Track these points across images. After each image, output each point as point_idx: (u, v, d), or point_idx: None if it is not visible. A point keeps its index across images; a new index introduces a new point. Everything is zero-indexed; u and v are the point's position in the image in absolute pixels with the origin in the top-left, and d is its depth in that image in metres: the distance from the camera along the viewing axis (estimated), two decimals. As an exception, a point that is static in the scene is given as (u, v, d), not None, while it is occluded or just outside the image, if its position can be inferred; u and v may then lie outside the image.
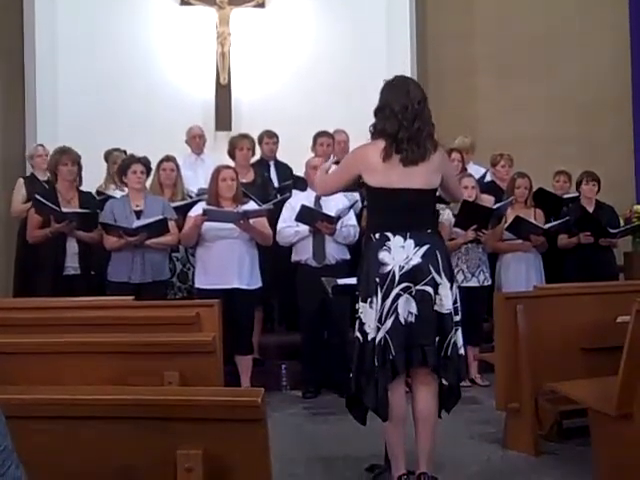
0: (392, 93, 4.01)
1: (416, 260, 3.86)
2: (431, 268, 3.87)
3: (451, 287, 3.95)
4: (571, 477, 4.33)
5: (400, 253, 3.87)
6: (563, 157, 8.94)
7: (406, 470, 3.93)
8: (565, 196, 7.72)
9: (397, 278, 3.84)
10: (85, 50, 9.48)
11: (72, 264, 6.38)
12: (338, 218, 6.36)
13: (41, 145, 7.84)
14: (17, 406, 2.06)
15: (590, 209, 7.30)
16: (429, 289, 3.86)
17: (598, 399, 3.89)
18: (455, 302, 3.98)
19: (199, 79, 9.83)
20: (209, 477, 2.14)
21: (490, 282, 6.80)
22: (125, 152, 7.41)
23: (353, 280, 4.71)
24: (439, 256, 3.91)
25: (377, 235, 3.94)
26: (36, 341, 3.39)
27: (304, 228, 6.45)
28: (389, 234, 3.90)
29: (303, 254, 6.52)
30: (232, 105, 9.83)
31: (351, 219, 6.60)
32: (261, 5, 10.00)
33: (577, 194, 7.52)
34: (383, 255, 3.88)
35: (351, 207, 6.51)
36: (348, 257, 6.59)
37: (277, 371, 6.77)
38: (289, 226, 6.50)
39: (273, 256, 6.68)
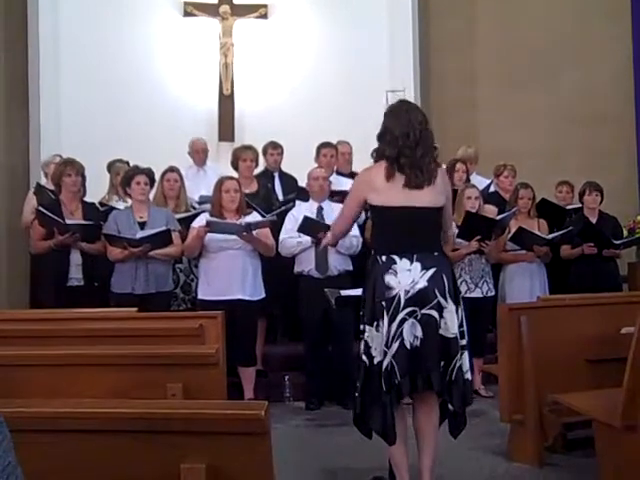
0: (393, 119, 4.02)
1: (422, 284, 3.84)
2: (437, 292, 3.85)
3: (457, 310, 3.92)
4: (576, 489, 4.32)
5: (406, 277, 3.85)
6: (565, 168, 8.94)
7: None
8: (568, 207, 7.71)
9: (402, 302, 3.82)
10: (88, 61, 9.50)
11: (76, 275, 6.37)
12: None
13: (59, 155, 7.80)
14: (20, 419, 2.06)
15: (593, 220, 7.28)
16: (434, 313, 3.84)
17: (603, 410, 3.88)
18: (461, 326, 3.95)
19: (202, 90, 9.86)
20: (213, 491, 2.13)
21: (494, 293, 6.79)
22: (128, 163, 7.41)
23: (356, 291, 4.71)
24: (445, 279, 3.89)
25: (384, 258, 3.91)
26: (39, 353, 3.40)
27: (306, 239, 6.45)
28: (395, 257, 3.88)
29: (306, 265, 6.52)
30: (235, 116, 9.85)
31: (354, 230, 6.58)
32: (264, 16, 10.04)
33: (580, 205, 7.51)
34: (389, 279, 3.85)
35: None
36: (351, 268, 6.58)
37: (280, 382, 6.75)
38: (291, 237, 6.50)
39: (276, 267, 6.67)
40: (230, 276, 6.10)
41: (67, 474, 2.21)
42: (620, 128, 9.86)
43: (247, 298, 6.15)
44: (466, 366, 3.95)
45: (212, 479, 2.13)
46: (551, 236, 7.01)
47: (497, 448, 5.03)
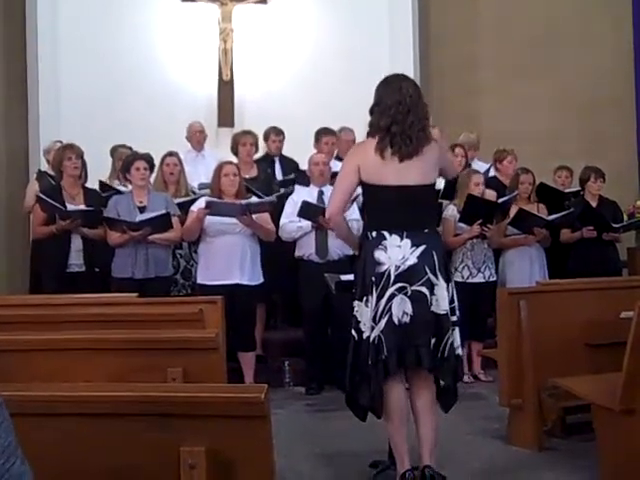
0: (385, 90, 4.05)
1: (412, 260, 3.86)
2: (427, 269, 3.86)
3: (447, 287, 3.94)
4: (575, 473, 4.33)
5: (396, 253, 3.87)
6: (565, 153, 8.93)
7: (410, 466, 3.93)
8: (567, 190, 7.71)
9: (392, 278, 3.85)
10: (87, 47, 9.48)
11: (76, 261, 6.38)
12: (341, 213, 6.34)
13: (59, 141, 7.79)
14: (20, 403, 2.06)
15: (593, 204, 7.28)
16: (425, 290, 3.85)
17: (602, 394, 3.88)
18: (452, 302, 3.98)
19: (202, 75, 9.83)
20: (212, 474, 2.14)
21: (495, 278, 6.80)
22: (131, 149, 7.41)
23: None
24: (435, 256, 3.91)
25: (374, 234, 3.94)
26: (39, 338, 3.40)
27: (307, 223, 6.46)
28: (385, 233, 3.90)
29: (306, 250, 6.52)
30: (235, 101, 9.82)
31: (354, 213, 6.58)
32: (263, 1, 9.99)
33: (579, 188, 7.50)
34: (379, 254, 3.88)
35: (353, 201, 6.48)
36: (351, 252, 6.57)
37: (280, 368, 6.77)
38: (291, 221, 6.51)
39: (276, 252, 6.68)
40: (229, 260, 6.11)
41: (66, 457, 2.21)
42: (620, 113, 9.86)
43: (246, 283, 6.15)
44: (457, 342, 3.98)
45: (212, 462, 2.14)
46: (552, 217, 7.01)
47: (496, 432, 5.05)
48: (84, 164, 6.65)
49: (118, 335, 3.42)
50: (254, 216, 6.12)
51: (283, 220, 6.55)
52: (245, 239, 6.18)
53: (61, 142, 7.59)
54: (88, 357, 3.25)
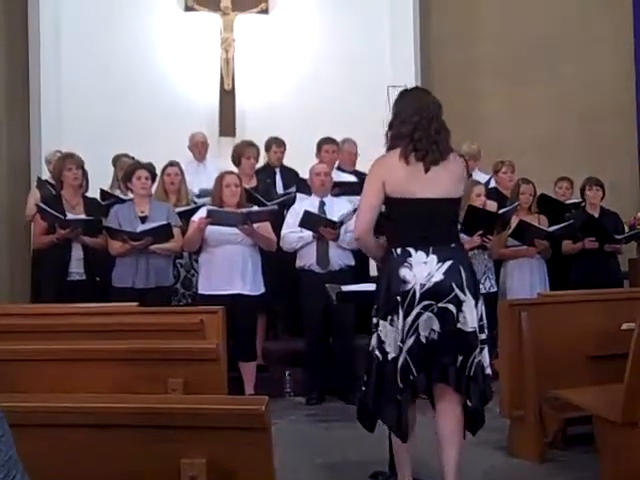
0: (405, 100, 3.96)
1: (438, 277, 3.72)
2: (454, 285, 3.73)
3: (476, 304, 3.80)
4: (576, 485, 4.33)
5: (422, 270, 3.72)
6: (565, 163, 8.93)
7: (412, 478, 3.90)
8: (568, 202, 7.71)
9: (418, 296, 3.71)
10: (89, 55, 9.50)
11: (77, 270, 6.38)
12: (341, 223, 6.35)
13: (59, 151, 7.80)
14: (20, 414, 2.06)
15: (595, 215, 7.28)
16: (451, 307, 3.72)
17: (603, 406, 3.87)
18: (480, 320, 3.83)
19: (203, 85, 9.84)
20: (213, 485, 2.14)
21: (496, 289, 6.79)
22: (133, 158, 7.41)
23: (358, 287, 4.71)
24: (463, 272, 3.77)
25: (399, 250, 3.79)
26: (39, 348, 3.39)
27: (308, 234, 6.45)
28: (411, 250, 3.76)
29: (307, 260, 6.52)
30: (236, 111, 9.84)
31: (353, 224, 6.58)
32: (265, 11, 10.02)
33: (580, 200, 7.51)
34: (404, 272, 3.73)
35: (355, 211, 6.48)
36: (352, 263, 6.58)
37: (281, 378, 6.76)
38: (293, 232, 6.50)
39: (277, 262, 6.68)
40: (230, 270, 6.10)
41: (66, 469, 2.21)
42: (621, 123, 9.86)
43: (247, 293, 6.14)
44: (486, 361, 3.83)
45: (212, 474, 2.13)
46: (552, 229, 7.01)
47: (497, 443, 5.03)
48: (85, 173, 6.65)
49: (118, 345, 3.41)
50: (255, 226, 6.12)
51: (284, 230, 6.55)
52: (246, 249, 6.18)
53: (60, 152, 7.60)
54: (88, 367, 3.24)
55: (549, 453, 4.79)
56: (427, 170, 3.78)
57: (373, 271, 7.32)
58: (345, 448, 5.04)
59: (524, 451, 4.77)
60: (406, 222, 3.83)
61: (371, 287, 4.68)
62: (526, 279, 6.91)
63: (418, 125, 3.80)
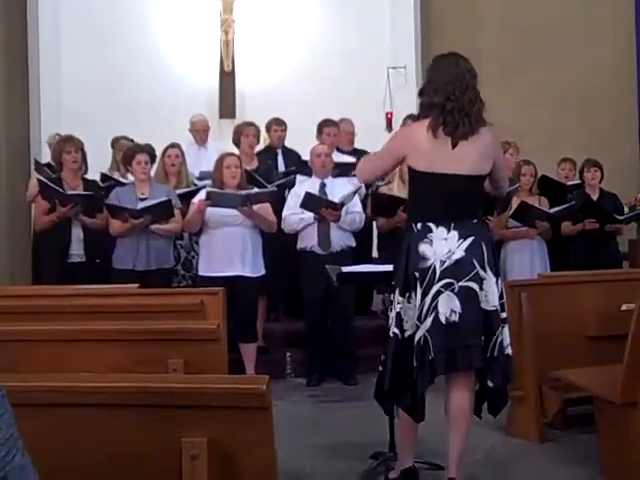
0: (439, 66, 3.79)
1: (459, 254, 3.60)
2: (475, 262, 3.61)
3: (497, 282, 3.68)
4: (575, 464, 4.34)
5: (442, 246, 3.61)
6: (566, 147, 8.90)
7: (413, 463, 3.88)
8: (569, 183, 7.70)
9: (438, 274, 3.59)
10: (88, 38, 9.49)
11: (77, 252, 6.38)
12: (342, 204, 6.35)
13: (58, 134, 7.78)
14: (21, 393, 2.06)
15: (594, 197, 7.28)
16: (474, 285, 3.60)
17: (603, 386, 3.89)
18: (501, 297, 3.72)
19: (203, 66, 9.83)
20: (214, 464, 2.14)
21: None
22: (132, 141, 7.40)
23: (358, 268, 4.71)
24: (484, 248, 3.65)
25: (419, 225, 3.67)
26: (40, 329, 3.40)
27: (309, 215, 6.45)
28: (432, 225, 3.64)
29: (308, 241, 6.52)
30: (236, 93, 9.82)
31: (356, 205, 6.59)
32: (264, -7, 9.98)
33: (580, 181, 7.50)
34: (424, 248, 3.62)
35: (355, 193, 6.48)
36: (354, 244, 6.59)
37: (281, 359, 6.77)
38: (294, 213, 6.50)
39: (278, 244, 6.68)
40: (230, 252, 6.10)
41: (67, 449, 2.21)
42: (622, 107, 9.83)
43: (247, 274, 6.14)
44: (507, 341, 3.72)
45: (213, 453, 2.14)
46: (553, 210, 7.00)
47: (497, 424, 5.01)
48: (84, 156, 6.64)
49: (119, 326, 3.42)
50: (255, 207, 6.11)
51: (285, 212, 6.54)
52: (246, 230, 6.17)
53: (59, 135, 7.59)
54: (89, 348, 3.24)
55: (549, 433, 4.81)
56: (455, 145, 3.65)
57: (374, 252, 7.35)
58: (346, 429, 5.06)
59: (524, 431, 4.79)
60: (429, 197, 3.71)
61: (372, 268, 4.71)
62: (526, 260, 6.91)
63: (451, 95, 3.66)
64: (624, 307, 4.42)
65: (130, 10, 9.63)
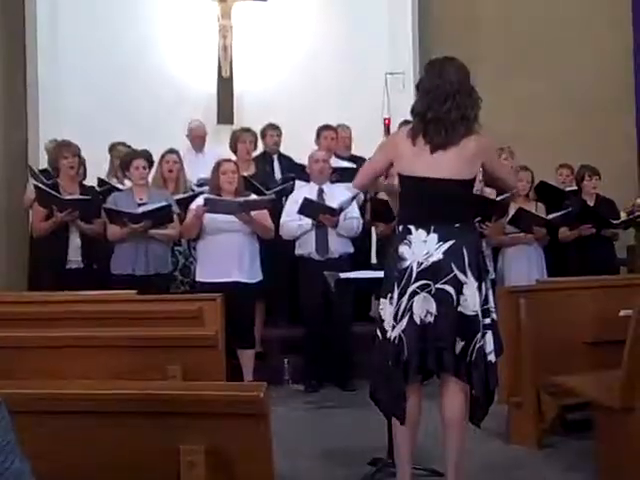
0: (427, 72, 3.84)
1: (437, 256, 3.61)
2: (453, 266, 3.60)
3: (479, 287, 3.64)
4: (574, 470, 4.33)
5: (420, 248, 3.63)
6: (564, 153, 8.90)
7: (410, 474, 3.82)
8: (567, 189, 7.70)
9: (414, 275, 3.60)
10: (87, 43, 9.46)
11: (75, 258, 6.37)
12: (340, 210, 6.35)
13: (55, 140, 7.77)
14: (19, 400, 2.06)
15: (591, 203, 7.29)
16: (449, 289, 3.59)
17: (601, 392, 3.89)
18: (486, 302, 3.69)
19: (201, 72, 9.82)
20: (212, 471, 2.14)
21: (494, 276, 6.79)
22: (129, 147, 7.39)
23: (356, 274, 4.71)
24: (465, 253, 3.63)
25: (400, 228, 3.74)
26: (38, 335, 3.40)
27: (307, 221, 6.45)
28: (412, 227, 3.68)
29: (306, 247, 6.52)
30: (234, 98, 9.82)
31: (354, 211, 6.59)
32: (262, -2, 9.98)
33: (578, 188, 7.51)
34: (403, 249, 3.66)
35: (353, 199, 6.48)
36: (351, 250, 6.59)
37: (279, 365, 6.75)
38: (292, 220, 6.50)
39: (276, 250, 6.68)
40: (227, 258, 6.09)
41: (65, 455, 2.21)
42: (619, 112, 9.83)
43: (244, 280, 6.13)
44: (489, 347, 3.64)
45: (211, 460, 2.14)
46: (551, 216, 7.01)
47: (495, 430, 5.03)
48: (81, 161, 6.63)
49: (117, 333, 3.42)
50: (253, 213, 6.11)
51: (284, 218, 6.55)
52: (244, 237, 6.17)
53: (56, 140, 7.58)
54: (87, 355, 3.24)
55: (547, 439, 4.80)
56: (432, 152, 3.68)
57: (372, 258, 7.35)
58: (344, 435, 5.06)
59: (522, 437, 4.78)
60: (411, 200, 3.78)
61: (370, 274, 4.71)
62: (524, 266, 6.91)
63: (431, 105, 3.71)
64: (622, 313, 4.41)
65: (128, 16, 9.63)
